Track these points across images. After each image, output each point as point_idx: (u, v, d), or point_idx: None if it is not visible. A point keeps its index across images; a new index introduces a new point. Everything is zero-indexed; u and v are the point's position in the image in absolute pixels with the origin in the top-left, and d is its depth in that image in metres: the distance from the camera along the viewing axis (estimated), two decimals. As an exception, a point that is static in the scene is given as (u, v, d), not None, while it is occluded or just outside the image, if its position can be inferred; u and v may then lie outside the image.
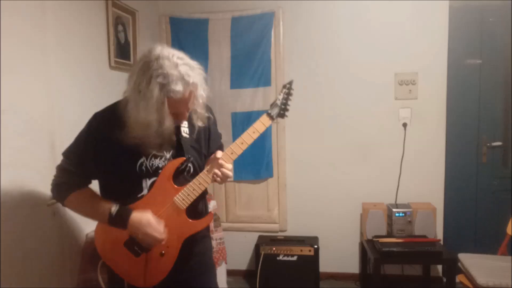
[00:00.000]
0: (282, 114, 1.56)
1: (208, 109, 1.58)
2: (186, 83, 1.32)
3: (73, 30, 2.22)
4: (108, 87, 2.54)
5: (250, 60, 3.23)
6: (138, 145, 1.41)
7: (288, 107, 1.57)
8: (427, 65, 3.09)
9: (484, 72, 3.15)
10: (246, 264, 3.45)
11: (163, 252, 1.48)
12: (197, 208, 1.58)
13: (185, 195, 1.47)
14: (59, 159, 1.99)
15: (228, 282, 3.19)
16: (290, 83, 1.59)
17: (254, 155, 3.29)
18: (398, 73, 3.13)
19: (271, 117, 1.53)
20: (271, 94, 3.23)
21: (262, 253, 3.05)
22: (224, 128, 3.20)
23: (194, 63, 1.38)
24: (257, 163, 3.31)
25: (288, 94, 1.57)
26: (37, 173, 1.87)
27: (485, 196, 3.20)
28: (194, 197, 1.47)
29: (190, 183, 1.48)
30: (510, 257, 2.57)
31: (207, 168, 1.49)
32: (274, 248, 3.05)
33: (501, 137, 3.18)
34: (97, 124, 1.48)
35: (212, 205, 2.97)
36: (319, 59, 3.23)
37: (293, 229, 3.36)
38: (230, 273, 3.28)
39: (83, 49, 2.33)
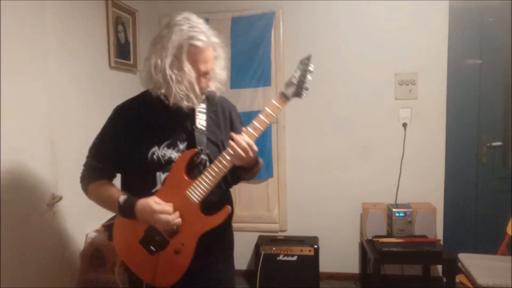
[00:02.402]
0: (299, 92, 1.39)
1: (229, 102, 1.67)
2: (208, 38, 1.37)
3: (73, 30, 2.22)
4: (108, 87, 2.54)
5: (250, 60, 3.23)
6: (155, 130, 1.44)
7: (307, 85, 1.39)
8: (427, 65, 3.09)
9: (484, 72, 3.15)
10: (246, 264, 3.44)
11: (178, 250, 1.42)
12: (217, 204, 1.44)
13: (197, 188, 1.38)
14: (59, 158, 2.00)
15: (228, 282, 3.19)
16: (308, 58, 1.43)
17: (254, 155, 3.29)
18: (398, 73, 3.13)
19: (285, 97, 1.38)
20: (271, 94, 3.22)
21: (262, 253, 3.05)
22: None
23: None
24: (257, 163, 3.30)
25: (306, 70, 1.41)
26: (37, 173, 1.87)
27: (485, 196, 3.19)
28: (207, 191, 1.38)
29: (201, 175, 1.38)
30: (510, 257, 2.57)
31: (219, 156, 1.38)
32: (274, 248, 3.05)
33: (501, 137, 3.17)
34: (116, 115, 1.52)
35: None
36: (319, 59, 3.19)
37: (293, 229, 3.36)
38: (230, 273, 3.28)
39: (83, 49, 2.33)
